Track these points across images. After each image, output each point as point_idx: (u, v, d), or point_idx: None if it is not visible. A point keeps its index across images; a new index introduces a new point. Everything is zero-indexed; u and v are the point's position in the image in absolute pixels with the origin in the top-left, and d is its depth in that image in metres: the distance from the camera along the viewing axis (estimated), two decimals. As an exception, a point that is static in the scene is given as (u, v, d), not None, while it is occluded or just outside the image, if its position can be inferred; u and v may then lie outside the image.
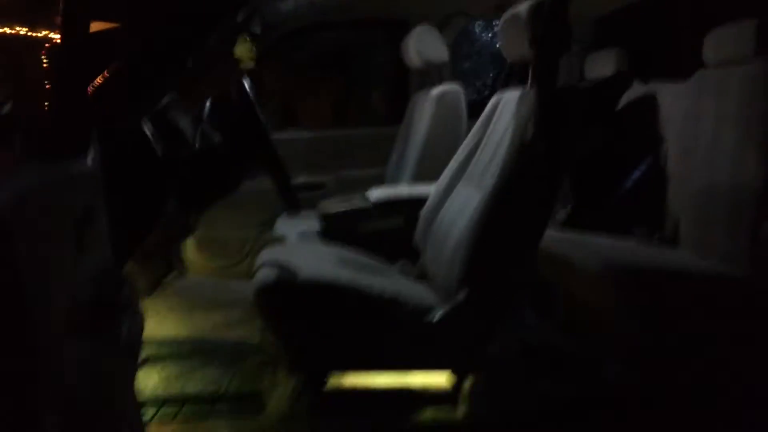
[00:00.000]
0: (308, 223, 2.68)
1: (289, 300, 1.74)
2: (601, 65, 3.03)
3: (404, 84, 3.44)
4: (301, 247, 2.27)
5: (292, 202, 1.91)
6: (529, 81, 1.88)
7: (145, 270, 2.34)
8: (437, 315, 1.77)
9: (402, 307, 1.78)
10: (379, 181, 3.39)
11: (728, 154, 2.10)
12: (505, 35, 2.03)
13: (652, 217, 2.41)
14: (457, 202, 2.12)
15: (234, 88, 1.91)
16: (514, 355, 1.87)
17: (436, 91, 2.90)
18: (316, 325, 1.74)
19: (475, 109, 2.55)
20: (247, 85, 1.90)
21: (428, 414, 1.78)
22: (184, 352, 2.20)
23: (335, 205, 2.59)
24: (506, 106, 2.11)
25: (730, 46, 2.15)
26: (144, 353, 2.18)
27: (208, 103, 2.14)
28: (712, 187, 2.15)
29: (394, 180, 3.11)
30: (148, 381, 1.99)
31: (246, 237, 3.29)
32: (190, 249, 3.33)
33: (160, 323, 2.31)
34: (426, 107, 2.93)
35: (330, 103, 3.79)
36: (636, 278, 1.92)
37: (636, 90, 2.72)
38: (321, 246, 2.30)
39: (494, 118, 2.18)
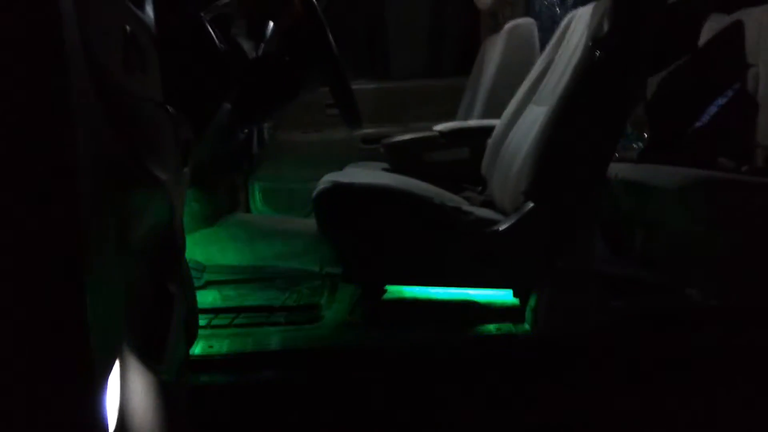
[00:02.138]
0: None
1: (346, 204, 1.68)
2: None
3: (475, 31, 3.33)
4: (363, 171, 2.21)
5: (353, 115, 1.85)
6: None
7: (210, 199, 2.35)
8: (501, 226, 1.68)
9: (465, 216, 1.70)
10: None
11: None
12: None
13: (739, 148, 2.24)
14: (525, 124, 2.01)
15: None
16: (583, 274, 1.74)
17: (507, 26, 2.79)
18: (373, 232, 1.68)
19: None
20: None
21: (489, 329, 1.68)
22: (243, 278, 2.17)
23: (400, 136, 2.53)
24: (579, 20, 1.99)
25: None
26: (203, 279, 2.19)
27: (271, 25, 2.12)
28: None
29: (465, 116, 3.01)
30: (205, 301, 1.96)
31: (313, 190, 3.27)
32: (256, 200, 3.34)
33: (221, 251, 2.29)
34: (497, 45, 2.82)
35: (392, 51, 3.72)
36: (719, 193, 1.77)
37: (721, 19, 2.53)
38: (385, 173, 2.23)
39: (567, 36, 2.07)
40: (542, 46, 2.57)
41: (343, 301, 1.83)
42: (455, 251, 1.69)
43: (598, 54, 1.63)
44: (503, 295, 1.77)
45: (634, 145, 2.38)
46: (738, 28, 2.41)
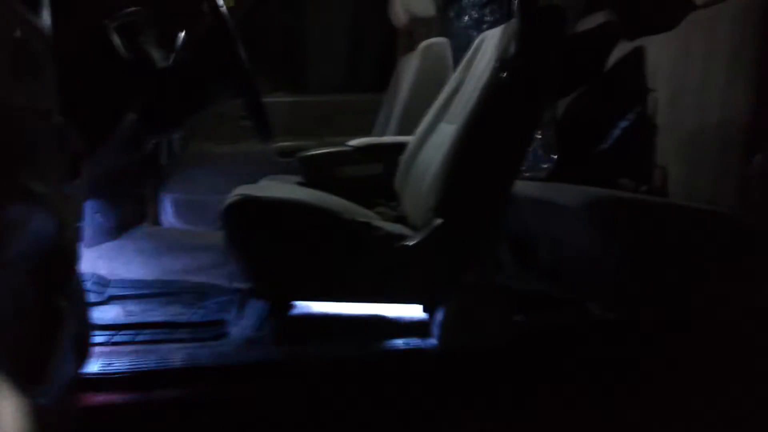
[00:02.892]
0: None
1: (254, 218, 1.66)
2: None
3: (393, 48, 3.37)
4: (276, 185, 2.19)
5: (265, 129, 1.83)
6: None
7: (115, 212, 2.27)
8: (410, 241, 1.69)
9: (374, 231, 1.70)
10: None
11: (717, 93, 2.03)
12: None
13: (639, 169, 2.34)
14: (436, 142, 2.05)
15: (207, 5, 1.82)
16: (488, 289, 1.78)
17: (421, 45, 2.83)
18: (281, 247, 1.66)
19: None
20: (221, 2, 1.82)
21: (397, 344, 1.69)
22: (148, 292, 2.11)
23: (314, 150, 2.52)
24: (489, 42, 2.05)
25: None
26: (106, 293, 2.11)
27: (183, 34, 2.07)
28: (701, 130, 2.08)
29: (384, 130, 3.04)
30: (107, 317, 1.89)
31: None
32: (167, 213, 3.25)
33: (126, 264, 2.22)
34: (412, 63, 2.86)
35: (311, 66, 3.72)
36: (619, 211, 1.84)
37: (624, 47, 2.65)
38: (297, 187, 2.22)
39: (477, 56, 2.12)
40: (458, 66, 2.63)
41: (250, 318, 1.80)
42: (364, 267, 1.69)
43: (503, 75, 1.68)
44: (412, 310, 1.78)
45: (544, 165, 2.46)
46: (639, 54, 2.53)
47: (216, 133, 3.25)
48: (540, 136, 2.45)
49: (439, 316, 1.71)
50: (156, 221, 3.21)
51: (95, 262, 2.20)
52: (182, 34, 1.85)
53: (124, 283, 2.17)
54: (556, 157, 2.43)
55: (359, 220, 1.71)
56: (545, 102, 1.73)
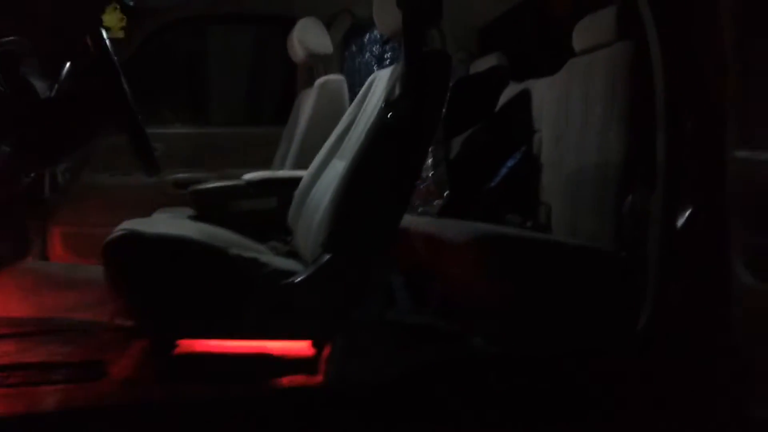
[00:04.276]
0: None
1: (135, 255, 1.61)
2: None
3: (292, 82, 3.40)
4: (164, 220, 2.15)
5: (149, 162, 1.80)
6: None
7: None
8: (297, 278, 1.70)
9: (262, 268, 1.70)
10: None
11: (595, 134, 2.16)
12: (379, 9, 2.03)
13: (525, 205, 2.44)
14: (328, 177, 2.07)
15: (91, 38, 1.79)
16: (375, 325, 1.81)
17: (319, 80, 2.88)
18: (164, 284, 1.63)
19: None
20: (105, 35, 1.79)
21: (284, 382, 1.68)
22: (28, 331, 2.01)
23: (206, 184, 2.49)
24: (380, 81, 2.11)
25: (594, 33, 2.23)
26: (-18, 331, 1.99)
27: (68, 65, 2.02)
28: (581, 169, 2.20)
29: (283, 164, 3.04)
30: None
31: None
32: (56, 243, 3.13)
33: (3, 302, 2.10)
34: (310, 98, 2.90)
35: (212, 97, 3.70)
36: (501, 248, 1.91)
37: (512, 88, 2.78)
38: (187, 221, 2.18)
39: (369, 95, 2.17)
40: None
41: (132, 357, 1.74)
42: (251, 304, 1.67)
43: (389, 116, 1.73)
44: (300, 346, 1.77)
45: (435, 202, 2.53)
46: (526, 96, 2.67)
47: (110, 164, 3.16)
48: (432, 174, 2.52)
49: (327, 351, 1.71)
50: (43, 255, 3.08)
51: (-31, 299, 2.09)
52: (66, 65, 1.80)
53: (1, 321, 2.05)
54: (447, 193, 2.50)
55: (246, 255, 1.70)
56: (428, 142, 1.79)
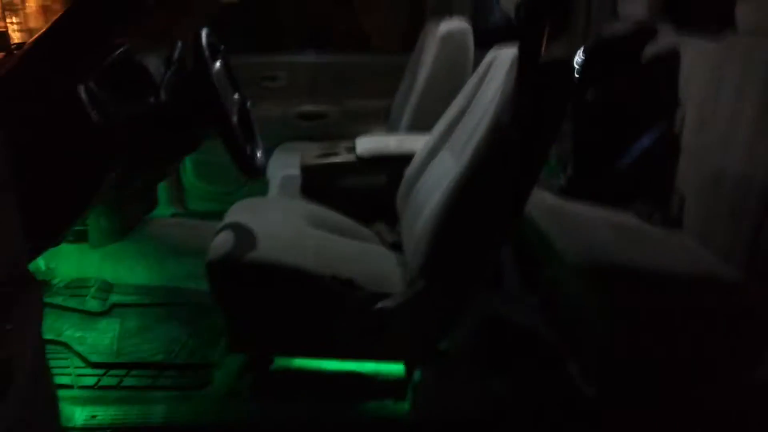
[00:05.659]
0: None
1: (235, 279, 1.65)
2: (634, 3, 2.73)
3: (420, 6, 3.17)
4: (271, 205, 2.15)
5: (250, 170, 1.78)
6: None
7: (117, 211, 2.29)
8: (391, 303, 1.67)
9: (357, 292, 1.68)
10: (385, 115, 3.22)
11: (744, 136, 1.87)
12: None
13: (657, 193, 2.21)
14: (437, 171, 1.96)
15: (192, 40, 1.74)
16: (467, 354, 1.77)
17: (442, 28, 2.66)
18: (259, 305, 1.67)
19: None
20: (204, 39, 1.73)
21: (373, 405, 1.71)
22: (148, 302, 2.16)
23: (316, 157, 2.44)
24: (499, 67, 1.90)
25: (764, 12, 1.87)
26: (110, 300, 2.17)
27: (179, 45, 1.98)
28: (722, 170, 1.94)
29: (396, 120, 2.93)
30: (105, 337, 1.96)
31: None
32: (187, 173, 3.27)
33: (130, 269, 2.26)
34: (431, 45, 2.70)
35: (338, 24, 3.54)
36: (613, 282, 1.76)
37: (660, 42, 2.43)
38: (294, 203, 2.18)
39: (486, 79, 1.98)
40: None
41: (235, 361, 1.83)
42: (345, 325, 1.68)
43: (498, 137, 1.57)
44: (392, 369, 1.79)
45: (560, 177, 2.34)
46: (674, 57, 2.32)
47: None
48: (556, 149, 2.32)
49: (417, 378, 1.71)
50: (178, 181, 3.24)
51: (100, 265, 2.26)
52: (166, 75, 1.77)
53: (128, 288, 2.22)
54: (570, 171, 2.31)
55: (342, 277, 1.69)
56: (539, 169, 1.61)
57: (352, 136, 2.63)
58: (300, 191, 2.39)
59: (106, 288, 2.21)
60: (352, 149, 2.42)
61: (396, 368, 1.78)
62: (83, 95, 1.47)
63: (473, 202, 1.63)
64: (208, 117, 1.68)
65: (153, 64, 1.78)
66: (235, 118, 1.85)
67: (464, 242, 1.65)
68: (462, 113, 2.02)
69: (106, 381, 1.77)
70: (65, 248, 2.26)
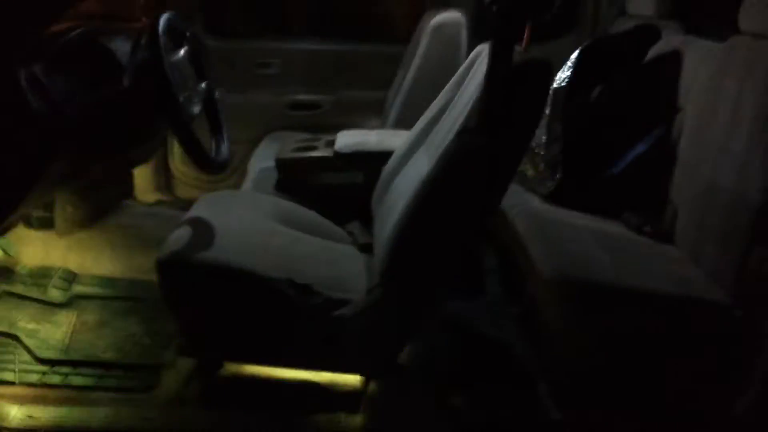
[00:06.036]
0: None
1: (182, 278, 1.56)
2: (643, 2, 2.61)
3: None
4: (240, 200, 2.05)
5: (204, 165, 1.68)
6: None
7: (86, 198, 2.22)
8: (349, 311, 1.57)
9: (313, 298, 1.58)
10: (380, 106, 3.11)
11: (740, 146, 1.74)
12: None
13: (649, 203, 2.09)
14: (412, 171, 1.85)
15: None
16: (427, 369, 1.67)
17: (435, 20, 2.54)
18: (210, 308, 1.57)
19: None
20: (163, 24, 1.62)
21: (324, 417, 1.62)
22: (111, 294, 2.08)
23: (292, 151, 2.34)
24: (482, 64, 1.78)
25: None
26: (72, 291, 2.09)
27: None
28: (717, 182, 1.81)
29: (386, 114, 2.82)
30: (58, 330, 1.88)
31: (233, 152, 3.12)
32: (176, 160, 3.19)
33: (95, 259, 2.18)
34: (423, 38, 2.58)
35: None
36: (585, 298, 1.65)
37: (665, 42, 2.29)
38: (265, 198, 2.08)
39: (470, 75, 1.87)
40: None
41: (184, 364, 1.74)
42: (298, 334, 1.59)
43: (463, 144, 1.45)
44: (349, 379, 1.69)
45: (548, 183, 2.21)
46: (676, 59, 2.19)
47: (228, 82, 3.09)
48: (544, 153, 2.20)
49: (372, 391, 1.62)
50: (166, 164, 3.16)
51: (65, 254, 2.18)
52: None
53: (92, 279, 2.14)
54: (559, 176, 2.18)
55: (298, 283, 1.59)
56: (509, 177, 1.49)
57: (347, 127, 2.54)
58: (274, 186, 2.29)
59: (69, 278, 2.13)
60: (333, 143, 2.31)
61: (353, 378, 1.68)
62: (23, 81, 1.39)
63: (437, 209, 1.51)
64: (158, 107, 1.58)
65: (121, 47, 1.69)
66: (197, 109, 1.76)
67: (425, 251, 1.54)
68: (443, 111, 1.91)
69: (49, 378, 1.69)
70: (31, 234, 2.19)
